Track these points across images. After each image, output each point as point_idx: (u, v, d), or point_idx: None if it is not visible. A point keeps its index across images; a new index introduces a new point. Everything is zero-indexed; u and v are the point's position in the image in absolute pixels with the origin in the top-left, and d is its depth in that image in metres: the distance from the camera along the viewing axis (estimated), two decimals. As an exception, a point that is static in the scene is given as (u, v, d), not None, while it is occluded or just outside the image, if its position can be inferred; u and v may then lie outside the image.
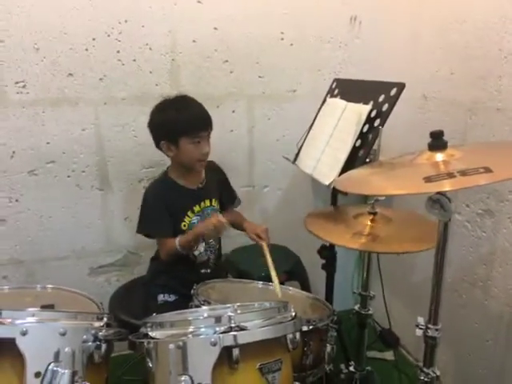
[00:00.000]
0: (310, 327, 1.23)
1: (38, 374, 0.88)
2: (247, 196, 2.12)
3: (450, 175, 0.92)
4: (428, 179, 0.94)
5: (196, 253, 1.59)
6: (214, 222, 1.44)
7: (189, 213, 1.56)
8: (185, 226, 1.55)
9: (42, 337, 0.91)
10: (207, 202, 1.61)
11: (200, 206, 1.59)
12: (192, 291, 1.34)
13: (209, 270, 1.63)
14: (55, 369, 0.89)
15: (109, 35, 1.73)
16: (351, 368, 1.65)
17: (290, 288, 1.55)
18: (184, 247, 1.49)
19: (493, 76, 1.49)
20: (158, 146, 1.54)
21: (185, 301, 1.34)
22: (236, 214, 1.78)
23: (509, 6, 1.41)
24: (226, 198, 1.74)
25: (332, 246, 1.62)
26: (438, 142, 1.05)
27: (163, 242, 1.55)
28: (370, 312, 1.61)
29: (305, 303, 1.49)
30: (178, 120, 1.47)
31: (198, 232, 1.49)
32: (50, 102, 1.73)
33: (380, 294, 1.65)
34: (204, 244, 1.60)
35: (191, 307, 1.26)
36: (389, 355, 2.03)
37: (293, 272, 1.87)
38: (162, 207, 1.52)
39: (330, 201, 1.68)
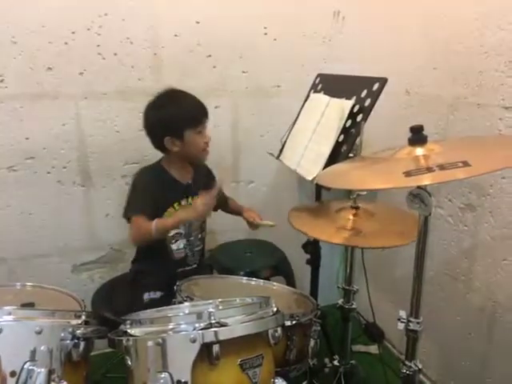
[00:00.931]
0: (293, 322, 1.23)
1: (13, 373, 0.87)
2: (233, 192, 2.10)
3: (429, 169, 0.92)
4: (408, 174, 0.94)
5: (174, 247, 1.58)
6: (200, 206, 1.41)
7: (175, 205, 1.55)
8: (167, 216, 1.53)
9: (18, 335, 0.90)
10: (195, 199, 1.58)
11: (187, 201, 1.58)
12: (175, 287, 1.33)
13: (187, 268, 1.62)
14: (31, 368, 0.88)
15: (89, 29, 1.70)
16: (335, 362, 1.66)
17: (275, 283, 1.55)
18: (160, 231, 1.43)
19: (474, 72, 1.50)
20: (159, 144, 1.52)
21: (170, 297, 1.32)
22: (232, 202, 1.82)
23: (489, 1, 1.42)
24: (220, 198, 1.72)
25: (316, 241, 1.63)
26: (417, 136, 1.05)
27: (138, 223, 1.46)
28: (353, 306, 1.62)
29: (289, 298, 1.49)
30: (182, 113, 1.47)
31: (183, 218, 1.46)
32: (29, 97, 1.70)
33: (364, 288, 1.66)
34: (185, 240, 1.59)
35: (174, 303, 1.25)
36: (373, 349, 2.05)
37: (278, 267, 1.87)
38: (149, 191, 1.50)
39: (315, 196, 1.68)
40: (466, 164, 0.89)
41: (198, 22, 1.84)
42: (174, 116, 1.47)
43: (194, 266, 1.65)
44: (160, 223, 1.44)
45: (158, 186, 1.52)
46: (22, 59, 1.66)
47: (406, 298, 1.16)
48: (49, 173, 1.80)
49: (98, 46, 1.73)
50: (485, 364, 1.61)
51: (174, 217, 1.48)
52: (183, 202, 1.57)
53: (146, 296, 1.59)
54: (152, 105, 1.52)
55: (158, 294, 1.59)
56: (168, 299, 1.32)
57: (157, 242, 1.49)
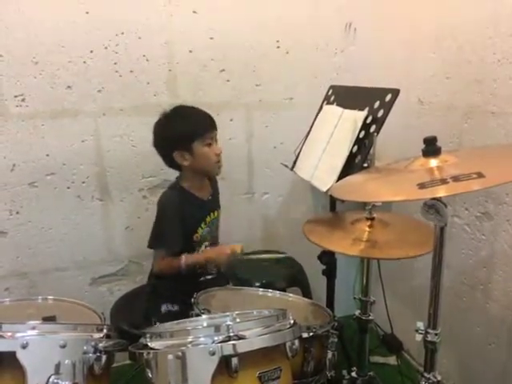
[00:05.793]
0: (311, 334, 1.23)
1: (39, 387, 0.89)
2: (247, 203, 2.13)
3: (443, 181, 0.93)
4: (421, 185, 0.94)
5: None
6: (228, 253, 1.50)
7: (202, 224, 1.57)
8: (197, 237, 1.56)
9: (43, 349, 0.92)
10: (215, 213, 1.63)
11: (210, 217, 1.60)
12: (192, 300, 1.34)
13: (208, 277, 1.63)
14: (56, 381, 0.89)
15: (106, 47, 1.75)
16: (353, 374, 1.64)
17: (291, 295, 1.55)
18: (189, 267, 1.50)
19: (487, 80, 1.50)
20: (169, 160, 1.54)
21: (187, 310, 1.34)
22: None
23: (501, 9, 1.42)
24: None
25: (332, 252, 1.63)
26: (431, 147, 1.05)
27: (165, 261, 1.52)
28: (370, 317, 1.60)
29: (306, 310, 1.49)
30: (187, 125, 1.49)
31: (210, 258, 1.52)
32: (50, 115, 1.75)
33: (381, 298, 1.65)
34: None
35: (191, 316, 1.27)
36: (392, 360, 2.02)
37: (294, 278, 1.87)
38: (178, 221, 1.51)
39: (329, 207, 1.69)
40: (480, 175, 0.89)
41: (211, 38, 1.87)
42: (180, 129, 1.49)
43: (214, 274, 1.66)
44: (190, 260, 1.50)
45: (185, 209, 1.52)
46: (42, 78, 1.71)
47: (424, 309, 1.15)
48: (68, 188, 1.84)
49: (115, 63, 1.78)
50: (506, 375, 1.58)
51: (202, 255, 1.54)
52: (208, 219, 1.59)
53: (164, 308, 1.60)
54: (158, 122, 1.54)
55: (175, 307, 1.59)
56: (185, 312, 1.34)
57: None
